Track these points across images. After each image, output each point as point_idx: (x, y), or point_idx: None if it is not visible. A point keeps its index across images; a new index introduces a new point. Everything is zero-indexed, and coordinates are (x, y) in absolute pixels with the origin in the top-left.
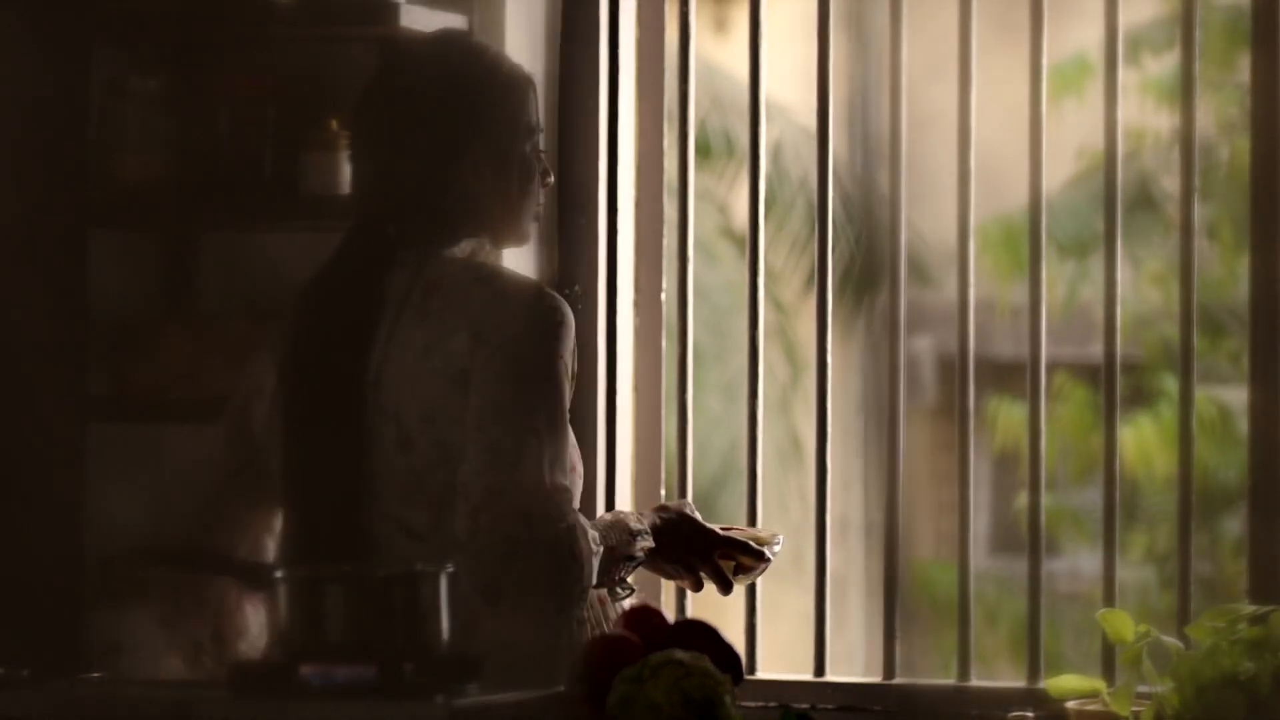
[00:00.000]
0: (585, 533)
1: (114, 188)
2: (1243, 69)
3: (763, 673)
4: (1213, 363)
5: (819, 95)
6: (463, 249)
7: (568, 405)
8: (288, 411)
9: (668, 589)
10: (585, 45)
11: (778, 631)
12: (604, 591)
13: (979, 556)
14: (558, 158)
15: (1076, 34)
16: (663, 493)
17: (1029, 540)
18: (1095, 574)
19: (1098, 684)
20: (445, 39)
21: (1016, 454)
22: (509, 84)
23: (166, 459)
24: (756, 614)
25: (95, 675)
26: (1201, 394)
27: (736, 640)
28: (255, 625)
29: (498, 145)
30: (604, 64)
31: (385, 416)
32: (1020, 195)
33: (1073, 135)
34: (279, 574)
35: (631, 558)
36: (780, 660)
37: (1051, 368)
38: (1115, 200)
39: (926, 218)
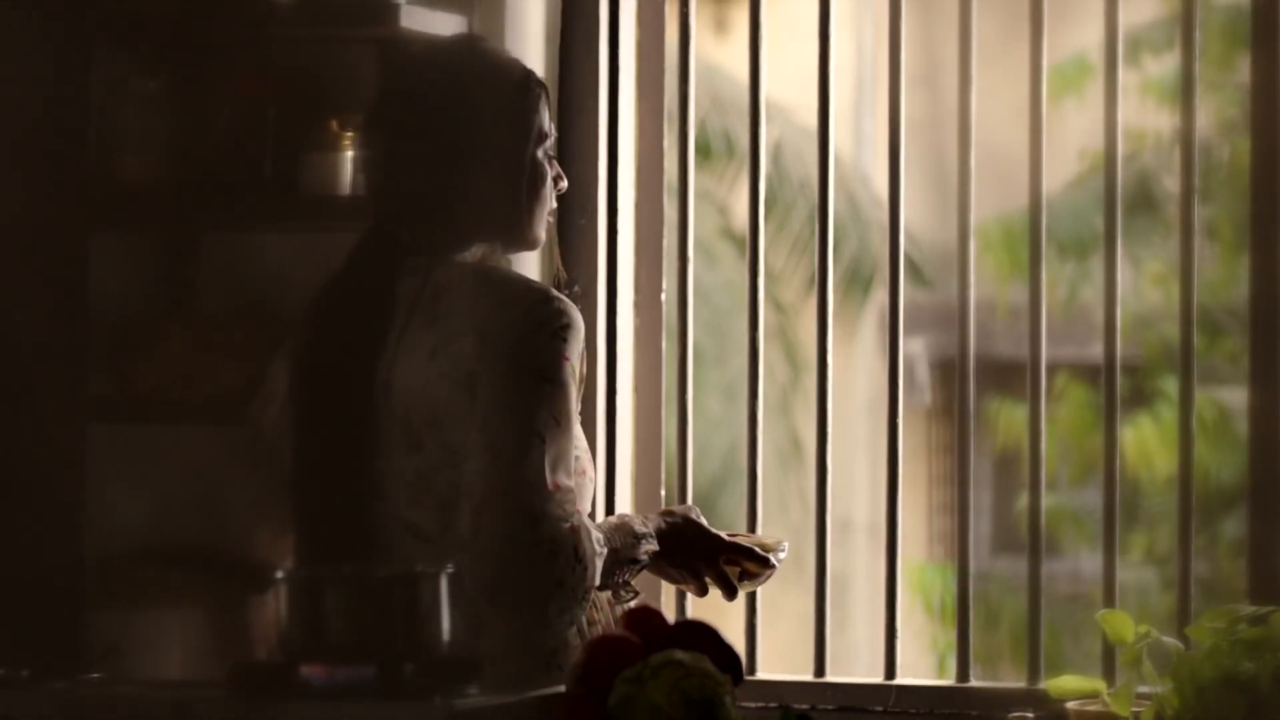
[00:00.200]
0: (589, 534)
1: (114, 188)
2: (1242, 69)
3: (763, 673)
4: (1212, 363)
5: (820, 96)
6: (473, 253)
7: (575, 408)
8: (299, 413)
9: (668, 590)
10: (585, 45)
11: (778, 632)
12: (608, 594)
13: (980, 557)
14: (558, 158)
15: (1077, 34)
16: (662, 493)
17: (1029, 541)
18: (1095, 574)
19: (1098, 684)
20: (458, 44)
21: (1017, 455)
22: (521, 89)
23: (167, 459)
24: (757, 614)
25: (95, 676)
26: (1201, 395)
27: (737, 641)
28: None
29: (509, 151)
30: (604, 64)
31: (394, 419)
32: (1021, 195)
33: (1073, 136)
34: (279, 574)
35: (635, 561)
36: (780, 661)
37: (1052, 368)
38: (1115, 201)
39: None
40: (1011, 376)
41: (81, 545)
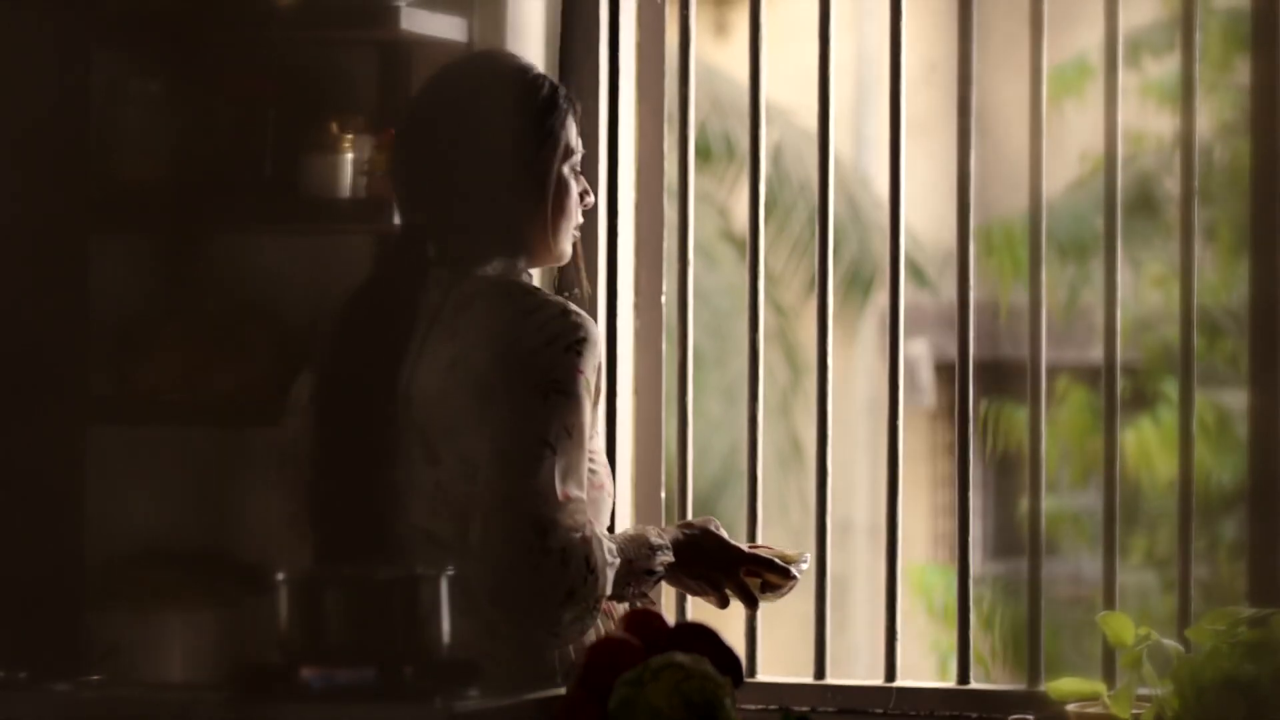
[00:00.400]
0: (600, 543)
1: (115, 189)
2: (1242, 72)
3: (763, 675)
4: (1212, 365)
5: (820, 97)
6: (495, 267)
7: (588, 421)
8: (323, 423)
9: (669, 592)
10: (585, 48)
11: (778, 634)
12: (624, 605)
13: (980, 559)
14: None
15: (1077, 37)
16: (662, 495)
17: (1029, 543)
18: (1096, 577)
19: (1098, 687)
20: (484, 59)
21: (1017, 457)
22: (549, 105)
23: (167, 461)
24: (757, 616)
25: (96, 678)
26: (1201, 397)
27: (737, 643)
28: None
29: (536, 167)
30: (604, 66)
31: (414, 430)
32: (1021, 197)
33: (1073, 138)
34: (280, 576)
35: (651, 572)
36: (781, 663)
37: (1052, 370)
38: (1115, 203)
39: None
40: (1012, 378)
41: (82, 547)
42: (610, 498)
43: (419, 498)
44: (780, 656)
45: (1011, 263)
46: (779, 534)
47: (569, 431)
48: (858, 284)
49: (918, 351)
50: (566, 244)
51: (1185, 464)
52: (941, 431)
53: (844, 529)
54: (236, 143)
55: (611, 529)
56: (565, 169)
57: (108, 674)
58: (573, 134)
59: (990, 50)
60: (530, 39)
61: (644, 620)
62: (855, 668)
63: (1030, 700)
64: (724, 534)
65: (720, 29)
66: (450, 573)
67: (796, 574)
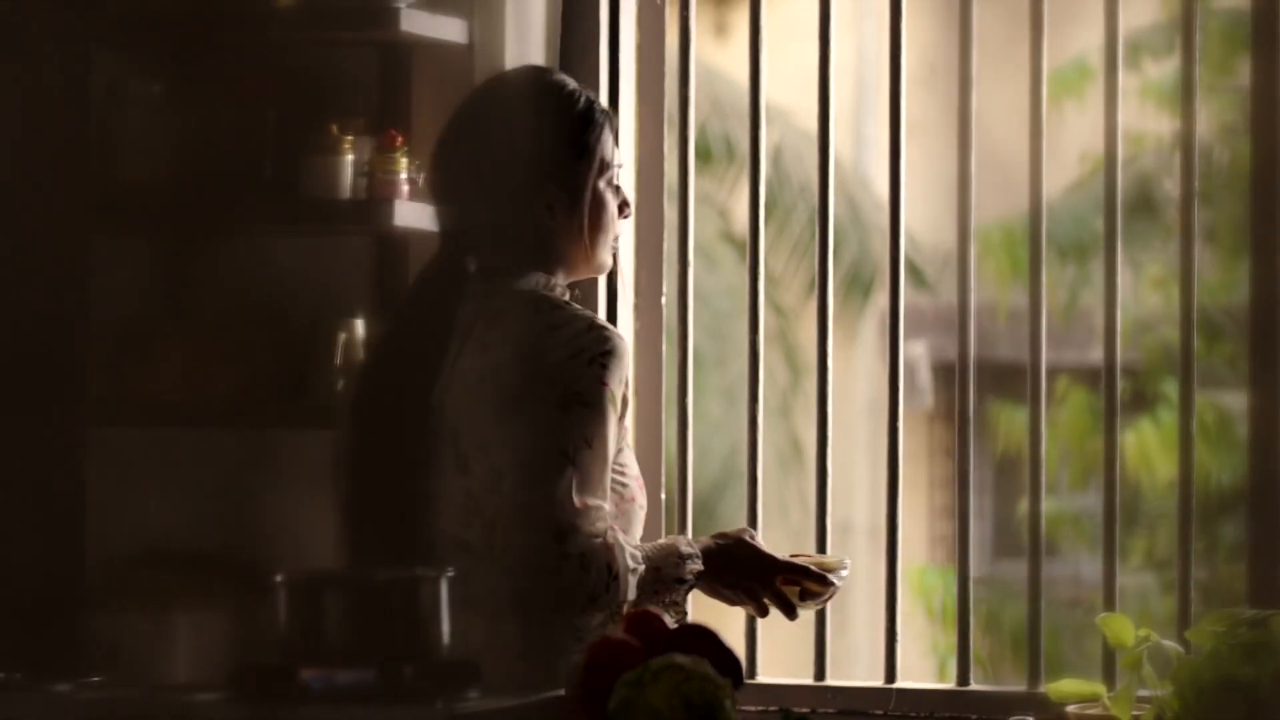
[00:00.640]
0: (623, 549)
1: (115, 190)
2: (1242, 73)
3: (763, 677)
4: (1212, 367)
5: (820, 99)
6: (529, 281)
7: (613, 432)
8: (362, 433)
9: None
10: (585, 49)
11: (778, 635)
12: None
13: (980, 561)
14: None
15: (1077, 38)
16: (663, 497)
17: (1029, 544)
18: (1096, 578)
19: (1098, 688)
20: (524, 76)
21: (1017, 458)
22: (585, 121)
23: (167, 462)
24: (757, 618)
25: (97, 679)
26: (1201, 398)
27: (737, 644)
28: None
29: (572, 182)
30: (604, 68)
31: (446, 441)
32: (1021, 199)
33: (1073, 139)
34: (279, 578)
35: (681, 580)
36: (781, 664)
37: (1052, 372)
38: (1115, 204)
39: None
40: (1012, 380)
41: (83, 548)
42: (642, 510)
43: (451, 506)
44: (780, 658)
45: (1011, 264)
46: (779, 535)
47: (589, 442)
48: (857, 285)
49: (916, 353)
50: (605, 255)
51: (1185, 465)
52: (939, 433)
53: (844, 530)
54: (237, 144)
55: (645, 540)
56: (601, 183)
57: (108, 675)
58: (609, 148)
59: (990, 51)
60: (530, 40)
61: (644, 622)
62: (855, 669)
63: (1030, 702)
64: (759, 544)
65: (720, 30)
66: (476, 578)
67: (837, 582)
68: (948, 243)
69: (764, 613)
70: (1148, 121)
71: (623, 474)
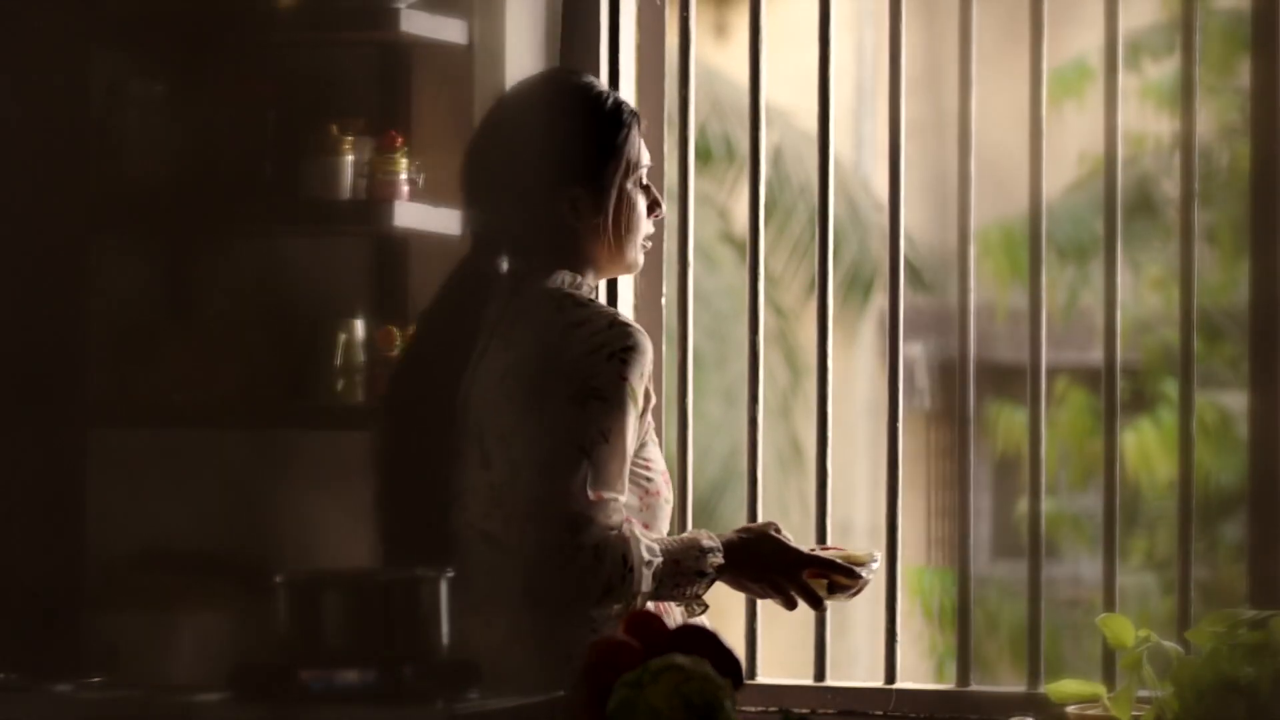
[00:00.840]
0: (638, 541)
1: (116, 191)
2: (1242, 74)
3: (763, 677)
4: (1211, 367)
5: (820, 100)
6: (554, 280)
7: (631, 426)
8: (393, 429)
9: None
10: (585, 50)
11: (778, 636)
12: (682, 607)
13: (980, 561)
14: None
15: (1077, 39)
16: None
17: (1029, 545)
18: (1095, 579)
19: (1098, 689)
20: (550, 80)
21: (1017, 459)
22: (611, 122)
23: (168, 463)
24: (757, 619)
25: (97, 679)
26: (1202, 399)
27: (737, 645)
28: None
29: (598, 182)
30: (604, 69)
31: (471, 436)
32: (1021, 199)
33: (1073, 140)
34: (279, 578)
35: (702, 573)
36: (780, 665)
37: (1052, 372)
38: (1115, 205)
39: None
40: (1011, 380)
41: (83, 549)
42: (668, 505)
43: (476, 499)
44: (780, 658)
45: (1010, 264)
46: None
47: (605, 436)
48: (857, 286)
49: (915, 354)
50: (634, 255)
51: (1185, 466)
52: (938, 433)
53: (844, 531)
54: (237, 144)
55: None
56: (629, 183)
57: (108, 675)
58: (636, 148)
59: (990, 52)
60: (530, 40)
61: (644, 622)
62: (855, 670)
63: (1030, 702)
64: (785, 537)
65: (720, 31)
66: (499, 570)
67: (865, 575)
68: (947, 243)
69: (791, 605)
70: (1147, 122)
71: (647, 468)
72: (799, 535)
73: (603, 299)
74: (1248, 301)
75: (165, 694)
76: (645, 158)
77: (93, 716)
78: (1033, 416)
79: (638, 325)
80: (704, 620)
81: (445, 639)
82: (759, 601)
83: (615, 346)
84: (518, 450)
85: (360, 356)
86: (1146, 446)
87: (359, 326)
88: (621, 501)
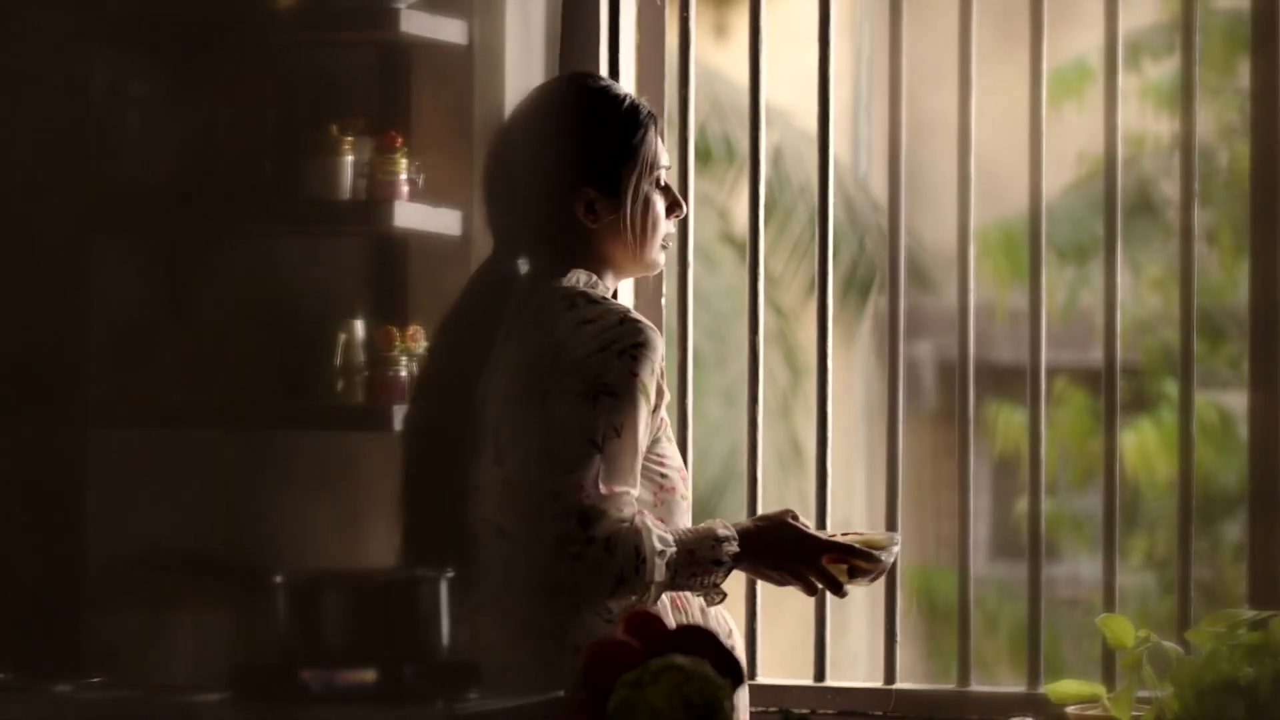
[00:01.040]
0: (650, 532)
1: (115, 192)
2: (1242, 74)
3: (763, 678)
4: (1213, 367)
5: (820, 100)
6: (571, 279)
7: (642, 421)
8: (419, 423)
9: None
10: (585, 50)
11: (778, 636)
12: (700, 596)
13: (979, 561)
14: None
15: (1076, 39)
16: None
17: (1029, 545)
18: (1095, 579)
19: (1098, 689)
20: (566, 83)
21: (1017, 459)
22: (627, 123)
23: (168, 464)
24: (757, 619)
25: (97, 679)
26: (1202, 399)
27: (737, 645)
28: None
29: (615, 184)
30: (604, 69)
31: (487, 431)
32: (1020, 200)
33: (1073, 140)
34: (279, 578)
35: (718, 562)
36: (780, 665)
37: (1051, 373)
38: (1115, 205)
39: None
40: (1011, 381)
41: (83, 549)
42: (685, 502)
43: (491, 494)
44: (780, 659)
45: (1010, 265)
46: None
47: (617, 431)
48: (858, 286)
49: (920, 353)
50: (654, 255)
51: (1185, 466)
52: (942, 433)
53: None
54: (237, 144)
55: None
56: (646, 184)
57: (108, 675)
58: (653, 149)
59: (990, 52)
60: (530, 41)
61: (643, 622)
62: (855, 670)
63: (1030, 703)
64: (803, 525)
65: (720, 31)
66: (515, 564)
67: (884, 559)
68: (949, 243)
69: (812, 592)
70: (1147, 122)
71: (661, 464)
72: None
73: None
74: (1248, 301)
75: (165, 694)
76: (664, 158)
77: (93, 716)
78: (1032, 417)
79: (649, 322)
80: (723, 612)
81: (447, 638)
82: (759, 601)
83: (626, 343)
84: (530, 446)
85: (360, 357)
86: (1146, 446)
87: (359, 327)
88: (633, 495)
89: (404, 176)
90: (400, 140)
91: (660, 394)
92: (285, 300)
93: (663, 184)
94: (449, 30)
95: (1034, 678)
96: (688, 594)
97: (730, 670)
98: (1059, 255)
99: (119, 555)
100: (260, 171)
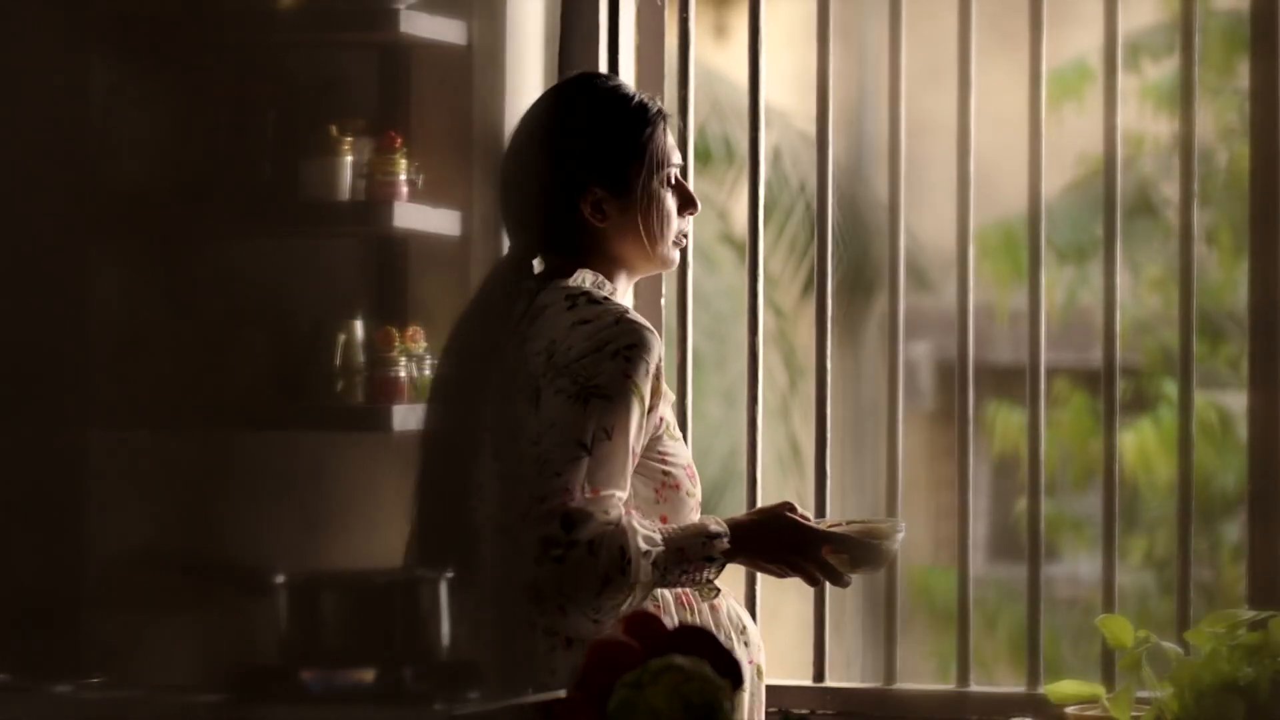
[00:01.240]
0: (636, 533)
1: (115, 192)
2: (1242, 75)
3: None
4: (1212, 368)
5: (819, 100)
6: (576, 279)
7: (634, 424)
8: (431, 424)
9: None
10: (585, 51)
11: (777, 637)
12: (696, 591)
13: (978, 562)
14: None
15: (1076, 39)
16: None
17: (1028, 545)
18: (1095, 579)
19: (1097, 689)
20: (574, 83)
21: (1016, 459)
22: (634, 121)
23: (168, 465)
24: (756, 619)
25: (97, 680)
26: (1201, 399)
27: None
28: None
29: (622, 182)
30: (603, 70)
31: (488, 430)
32: (1019, 200)
33: (1072, 140)
34: (279, 579)
35: (710, 558)
36: (780, 666)
37: (1051, 373)
38: (1114, 205)
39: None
40: (1011, 381)
41: (83, 549)
42: (692, 499)
43: (491, 492)
44: (780, 658)
45: (1010, 265)
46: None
47: (607, 433)
48: (859, 286)
49: (919, 354)
50: (667, 252)
51: (1184, 466)
52: (941, 434)
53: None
54: (237, 146)
55: None
56: (655, 182)
57: (108, 675)
58: (663, 146)
59: (989, 52)
60: (530, 42)
61: (643, 623)
62: (854, 670)
63: (1030, 703)
64: (800, 517)
65: (719, 31)
66: (507, 564)
67: (891, 546)
68: (949, 243)
69: (814, 583)
70: (1147, 123)
71: (664, 461)
72: None
73: None
74: (1247, 302)
75: (165, 694)
76: (675, 156)
77: (93, 716)
78: (1032, 417)
79: (646, 323)
80: (736, 608)
81: (448, 638)
82: (758, 601)
83: (620, 344)
84: (524, 445)
85: (360, 357)
86: (1146, 447)
87: (358, 327)
88: (621, 497)
89: (403, 177)
90: (399, 141)
91: (657, 394)
92: (285, 301)
93: (673, 181)
94: (448, 31)
95: (1033, 678)
96: (697, 593)
97: (729, 671)
98: (1058, 255)
99: (118, 555)
100: (260, 172)
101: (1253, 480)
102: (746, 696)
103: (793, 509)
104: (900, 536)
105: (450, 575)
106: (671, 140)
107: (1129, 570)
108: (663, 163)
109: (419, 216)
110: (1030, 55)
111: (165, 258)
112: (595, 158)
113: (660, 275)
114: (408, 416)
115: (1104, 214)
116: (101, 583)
